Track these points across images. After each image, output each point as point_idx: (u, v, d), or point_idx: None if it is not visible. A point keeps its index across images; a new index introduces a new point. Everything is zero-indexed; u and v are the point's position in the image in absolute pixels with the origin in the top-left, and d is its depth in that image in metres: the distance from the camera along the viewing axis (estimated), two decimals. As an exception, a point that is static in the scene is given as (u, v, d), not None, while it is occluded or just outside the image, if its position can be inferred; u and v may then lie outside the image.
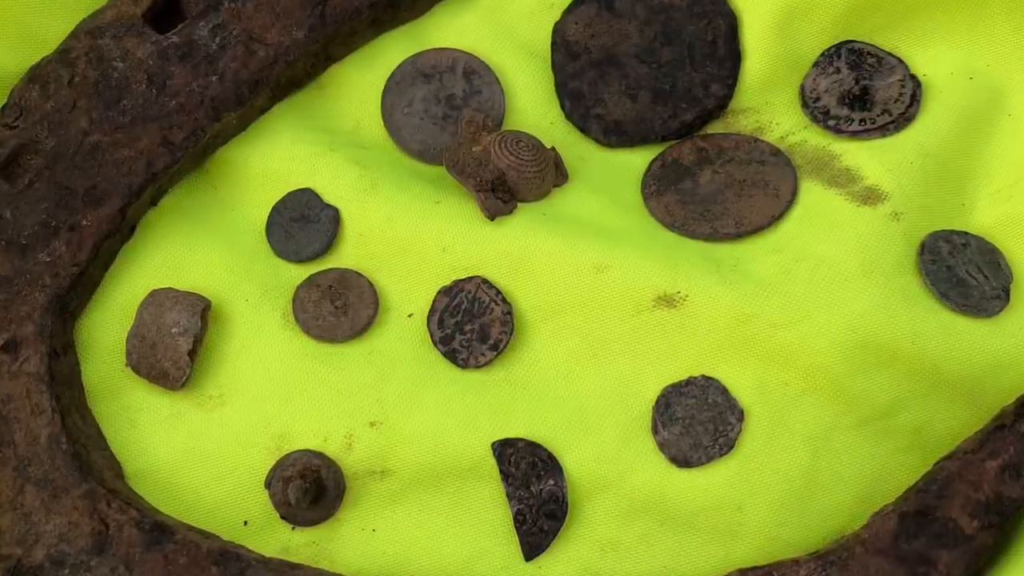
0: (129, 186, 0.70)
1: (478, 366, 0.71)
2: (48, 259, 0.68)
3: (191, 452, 0.70)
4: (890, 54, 0.75)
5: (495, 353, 0.71)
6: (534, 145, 0.72)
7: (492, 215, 0.72)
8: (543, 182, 0.73)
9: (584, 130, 0.76)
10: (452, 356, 0.71)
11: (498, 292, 0.71)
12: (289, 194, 0.74)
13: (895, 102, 0.73)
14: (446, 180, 0.73)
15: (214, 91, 0.72)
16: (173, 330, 0.69)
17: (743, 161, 0.74)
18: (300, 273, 0.73)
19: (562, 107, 0.76)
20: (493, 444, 0.69)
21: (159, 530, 0.65)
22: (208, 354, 0.72)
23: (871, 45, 0.75)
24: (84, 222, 0.69)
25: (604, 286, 0.70)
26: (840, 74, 0.74)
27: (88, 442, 0.68)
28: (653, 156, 0.74)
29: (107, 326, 0.71)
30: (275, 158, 0.74)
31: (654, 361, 0.70)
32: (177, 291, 0.71)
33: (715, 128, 0.75)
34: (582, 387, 0.70)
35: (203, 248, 0.73)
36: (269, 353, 0.71)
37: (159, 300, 0.70)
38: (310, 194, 0.74)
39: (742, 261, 0.71)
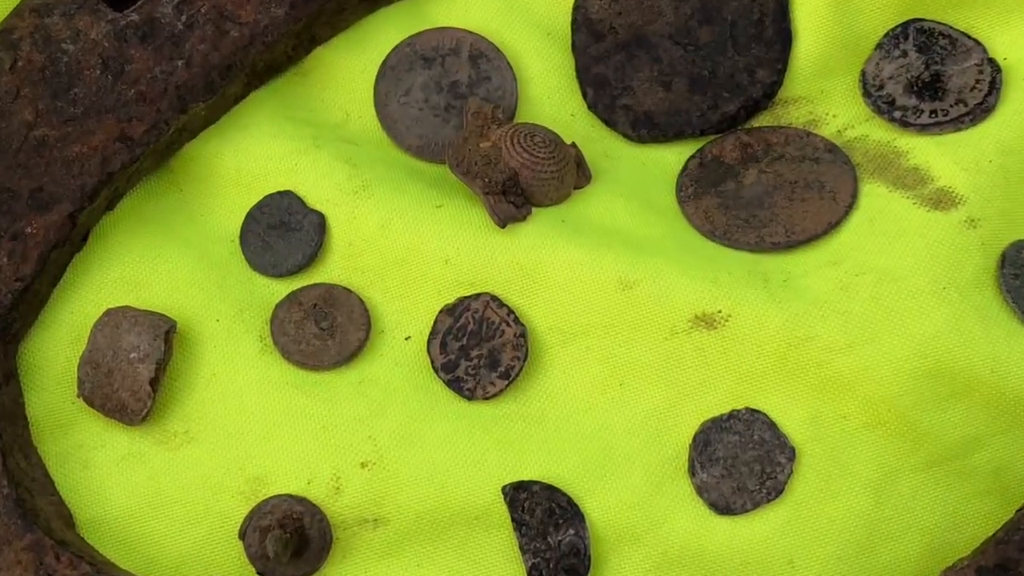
0: (81, 188, 0.71)
1: (486, 397, 0.71)
2: (-14, 273, 0.68)
3: (153, 497, 0.70)
4: (965, 35, 0.75)
5: (506, 382, 0.71)
6: (552, 140, 0.73)
7: (503, 222, 0.72)
8: (562, 183, 0.74)
9: (610, 123, 0.76)
10: (456, 386, 0.72)
11: (510, 311, 0.72)
12: (267, 197, 0.74)
13: (971, 90, 0.74)
14: (449, 181, 0.74)
15: (180, 78, 0.72)
16: (132, 355, 0.70)
17: (794, 159, 0.74)
18: (280, 289, 0.74)
19: (584, 96, 0.77)
20: (504, 488, 0.70)
21: (116, 588, 0.64)
22: (173, 383, 0.72)
23: (943, 24, 0.75)
24: (28, 229, 0.70)
25: (633, 304, 0.71)
26: (907, 58, 0.75)
27: (33, 486, 0.68)
28: (690, 153, 0.75)
29: (55, 351, 0.72)
30: (251, 155, 0.74)
31: (691, 391, 0.71)
32: (137, 310, 0.71)
33: (762, 121, 0.76)
34: (607, 422, 0.71)
35: (167, 260, 0.73)
36: (244, 382, 0.72)
37: (116, 321, 0.71)
38: (291, 197, 0.74)
39: (793, 275, 0.71)
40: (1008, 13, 0.74)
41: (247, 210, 0.74)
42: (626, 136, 0.76)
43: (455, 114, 0.76)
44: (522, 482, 0.70)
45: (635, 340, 0.71)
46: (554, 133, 0.74)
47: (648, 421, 0.70)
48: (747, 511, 0.69)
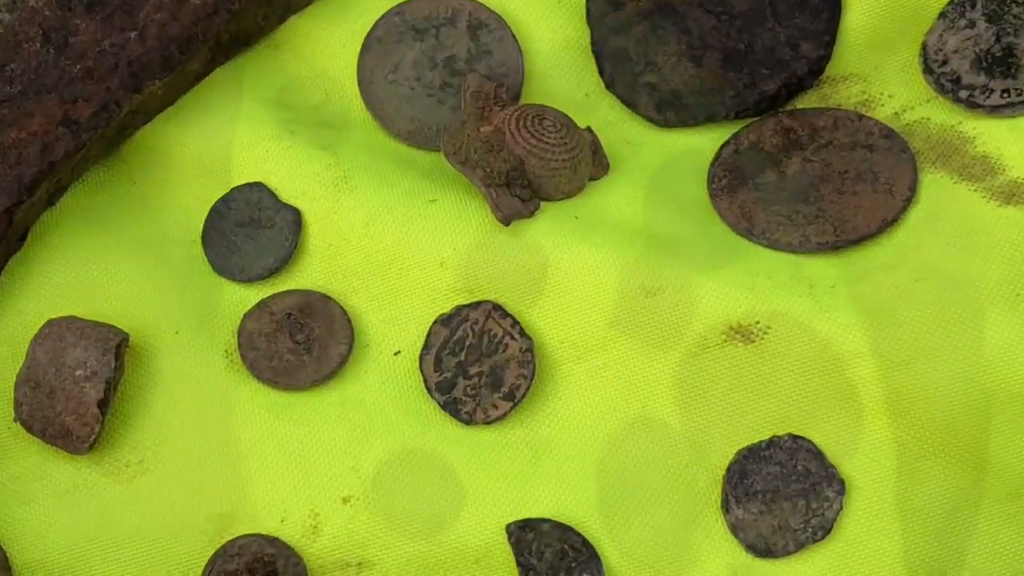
0: (18, 180, 0.70)
1: (488, 421, 0.71)
2: (-91, 277, 0.69)
3: (103, 537, 0.70)
4: (1042, 2, 0.74)
5: (510, 404, 0.71)
6: (563, 124, 0.73)
7: (507, 218, 0.71)
8: (575, 174, 0.73)
9: (631, 104, 0.76)
10: (453, 408, 0.71)
11: (514, 322, 0.71)
12: (234, 191, 0.74)
13: (1049, 66, 0.72)
14: (445, 172, 0.74)
15: (133, 51, 0.72)
16: (78, 373, 0.69)
17: (844, 146, 0.73)
18: (248, 296, 0.74)
19: (601, 73, 0.76)
20: (508, 527, 0.69)
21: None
22: (125, 405, 0.72)
23: (1016, -11, 0.74)
24: (-42, 228, 0.70)
25: (656, 314, 0.71)
26: (975, 29, 0.74)
27: (-38, 524, 0.68)
28: (724, 139, 0.75)
29: (-12, 367, 0.72)
30: (215, 142, 0.75)
31: (724, 415, 0.70)
32: (83, 321, 0.71)
33: (807, 102, 0.75)
34: (627, 450, 0.71)
35: (118, 263, 0.73)
36: (207, 404, 0.72)
37: (59, 333, 0.70)
38: (262, 191, 0.74)
39: (842, 281, 0.71)
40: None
41: (211, 205, 0.74)
42: (649, 119, 0.76)
43: (451, 94, 0.76)
44: (529, 520, 0.69)
45: (659, 356, 0.71)
46: (566, 116, 0.73)
47: (675, 449, 0.70)
48: (790, 553, 0.68)
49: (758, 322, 0.70)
